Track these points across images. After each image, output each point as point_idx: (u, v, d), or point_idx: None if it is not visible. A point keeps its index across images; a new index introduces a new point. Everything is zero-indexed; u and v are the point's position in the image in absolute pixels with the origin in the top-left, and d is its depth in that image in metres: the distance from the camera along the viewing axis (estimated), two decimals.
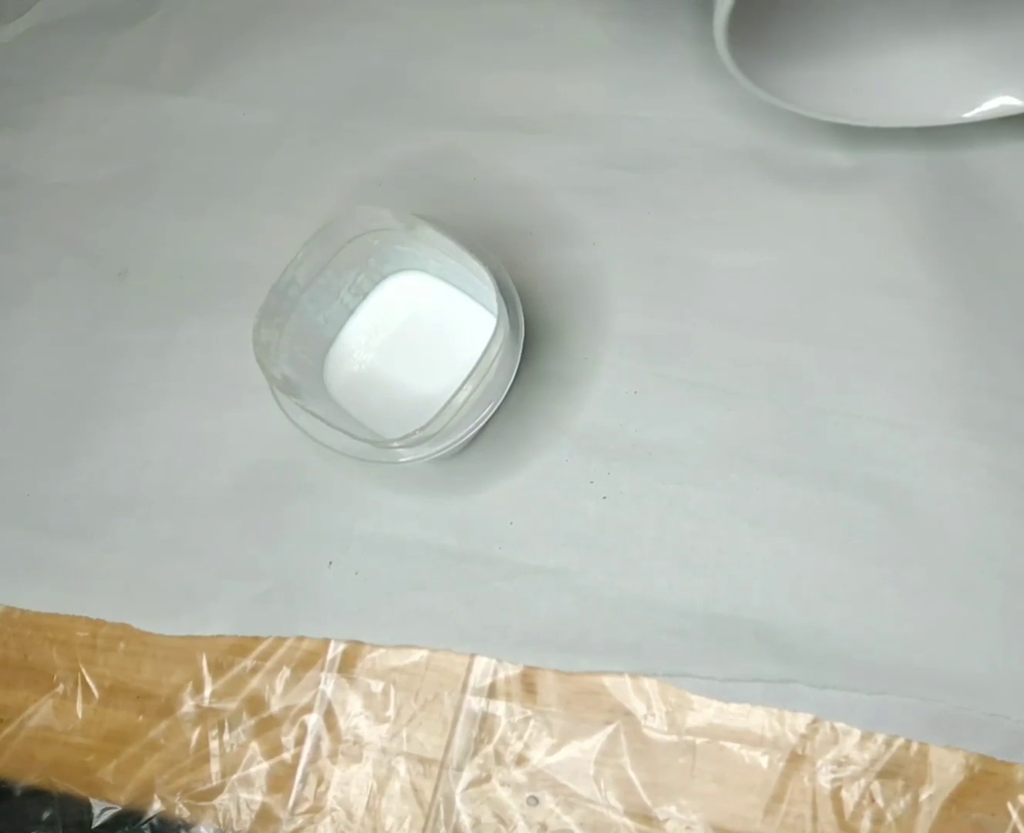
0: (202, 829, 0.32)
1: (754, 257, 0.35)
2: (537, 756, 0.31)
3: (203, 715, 0.33)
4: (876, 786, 0.29)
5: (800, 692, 0.30)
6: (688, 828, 0.29)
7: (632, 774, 0.30)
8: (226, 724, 0.33)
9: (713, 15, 0.29)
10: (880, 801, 0.29)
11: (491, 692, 0.32)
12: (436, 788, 0.31)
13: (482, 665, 0.32)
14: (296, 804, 0.32)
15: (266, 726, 0.33)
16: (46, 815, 0.33)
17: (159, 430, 0.37)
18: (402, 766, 0.31)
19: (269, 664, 0.33)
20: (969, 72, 0.33)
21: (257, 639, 0.33)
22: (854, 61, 0.34)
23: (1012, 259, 0.33)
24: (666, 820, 0.30)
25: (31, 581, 0.36)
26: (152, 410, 0.37)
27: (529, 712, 0.31)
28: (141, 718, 0.33)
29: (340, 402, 0.34)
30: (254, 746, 0.32)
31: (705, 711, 0.30)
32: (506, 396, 0.31)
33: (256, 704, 0.33)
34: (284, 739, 0.32)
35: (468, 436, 0.31)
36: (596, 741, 0.31)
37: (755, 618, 0.31)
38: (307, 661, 0.33)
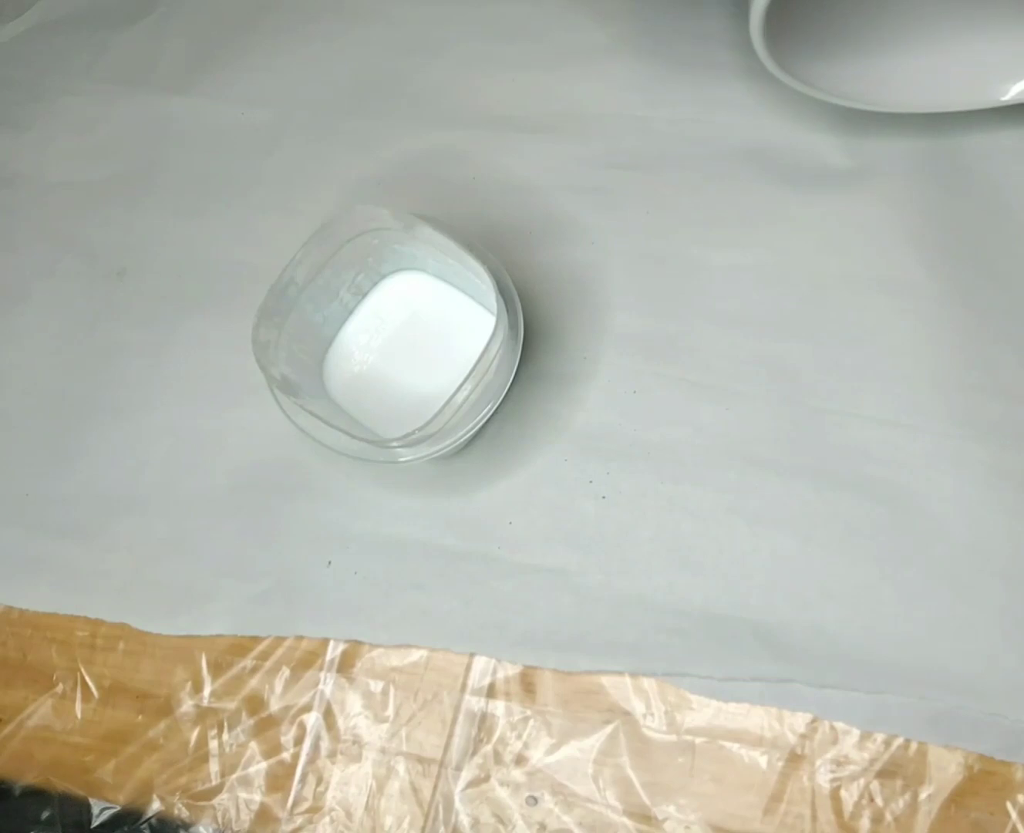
0: (201, 829, 0.32)
1: (753, 256, 0.35)
2: (536, 756, 0.31)
3: (202, 715, 0.33)
4: (875, 786, 0.29)
5: (799, 692, 0.30)
6: (687, 828, 0.29)
7: (631, 774, 0.30)
8: (225, 724, 0.33)
9: (750, 7, 0.29)
10: (879, 801, 0.29)
11: (490, 692, 0.32)
12: (435, 788, 0.31)
13: (481, 665, 0.32)
14: (295, 804, 0.32)
15: (265, 726, 0.33)
16: (45, 815, 0.33)
17: (158, 430, 0.37)
18: (401, 766, 0.31)
19: (268, 664, 0.33)
20: (1003, 57, 0.33)
21: (256, 639, 0.33)
22: (886, 49, 0.33)
23: (1011, 258, 0.33)
24: (665, 820, 0.30)
25: (30, 581, 0.36)
26: (151, 410, 0.37)
27: (528, 712, 0.31)
28: (140, 718, 0.33)
29: (339, 402, 0.34)
30: (253, 746, 0.32)
31: (704, 711, 0.30)
32: (505, 396, 0.31)
33: (255, 704, 0.33)
34: (283, 739, 0.32)
35: (467, 436, 0.31)
36: (595, 741, 0.31)
37: (754, 617, 0.31)
38: (306, 661, 0.33)
